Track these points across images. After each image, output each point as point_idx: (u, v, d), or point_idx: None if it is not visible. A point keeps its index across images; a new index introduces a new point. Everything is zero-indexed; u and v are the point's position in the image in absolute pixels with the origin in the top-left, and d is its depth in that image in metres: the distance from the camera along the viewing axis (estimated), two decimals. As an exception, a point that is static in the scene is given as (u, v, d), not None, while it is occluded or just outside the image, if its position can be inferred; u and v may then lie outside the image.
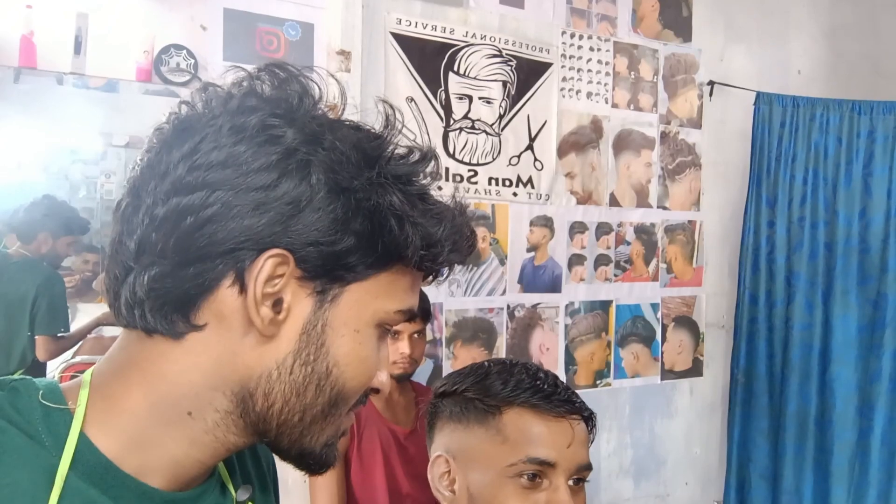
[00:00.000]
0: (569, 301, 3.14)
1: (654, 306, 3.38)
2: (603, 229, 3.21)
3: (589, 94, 3.15)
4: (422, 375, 2.63)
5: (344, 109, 0.69)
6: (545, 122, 3.03)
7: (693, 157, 3.46)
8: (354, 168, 0.64)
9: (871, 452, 3.25)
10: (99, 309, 2.28)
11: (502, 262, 2.95)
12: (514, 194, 2.97)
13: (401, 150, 0.67)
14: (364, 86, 2.57)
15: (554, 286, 3.09)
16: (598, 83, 3.18)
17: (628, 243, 3.29)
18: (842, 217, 3.33)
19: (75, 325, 2.29)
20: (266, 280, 0.62)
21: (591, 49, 3.15)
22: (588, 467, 1.14)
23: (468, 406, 1.16)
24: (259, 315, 0.62)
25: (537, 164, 3.02)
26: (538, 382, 1.14)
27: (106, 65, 2.21)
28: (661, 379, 3.42)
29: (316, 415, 0.67)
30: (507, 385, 1.14)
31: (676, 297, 3.45)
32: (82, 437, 0.62)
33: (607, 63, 3.20)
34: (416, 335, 2.07)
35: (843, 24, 3.82)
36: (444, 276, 0.74)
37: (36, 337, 2.24)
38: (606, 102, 3.20)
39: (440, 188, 0.70)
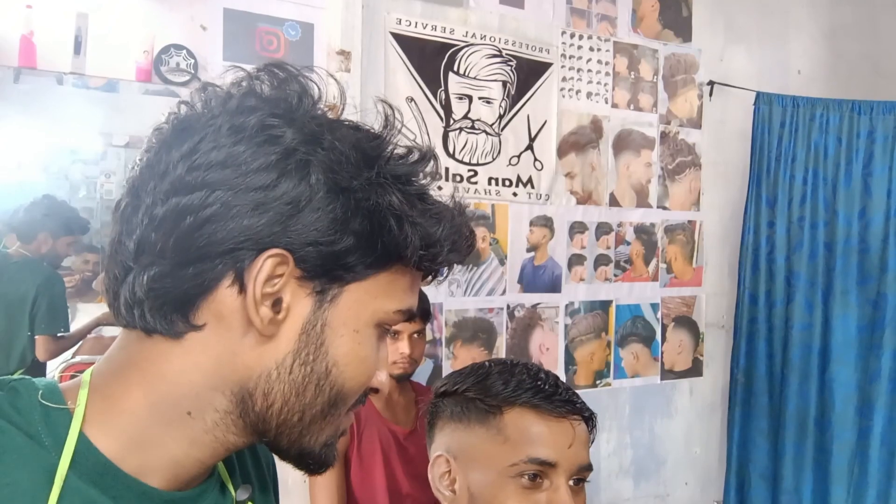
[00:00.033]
0: (569, 301, 3.14)
1: (654, 306, 3.38)
2: (603, 229, 3.21)
3: (589, 94, 3.15)
4: (422, 375, 2.63)
5: (343, 109, 0.69)
6: (545, 122, 3.03)
7: (693, 157, 3.46)
8: (354, 168, 0.64)
9: (871, 452, 3.25)
10: (99, 309, 2.28)
11: (502, 262, 2.95)
12: (514, 194, 2.97)
13: (400, 150, 0.67)
14: (364, 86, 2.57)
15: (554, 286, 3.09)
16: (598, 83, 3.18)
17: (628, 243, 3.29)
18: (841, 217, 3.33)
19: (75, 325, 2.29)
20: (265, 280, 0.62)
21: (591, 49, 3.15)
22: (588, 468, 1.14)
23: (469, 406, 1.16)
24: (258, 315, 0.62)
25: (537, 164, 3.02)
26: (539, 383, 1.14)
27: (106, 65, 2.21)
28: (661, 379, 3.42)
29: (315, 414, 0.67)
30: (508, 385, 1.14)
31: (676, 297, 3.45)
32: (82, 436, 0.62)
33: (607, 63, 3.20)
34: (415, 335, 2.07)
35: (843, 24, 3.82)
36: (444, 275, 0.74)
37: (36, 337, 2.24)
38: (606, 102, 3.21)
39: (440, 188, 0.71)
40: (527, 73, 2.98)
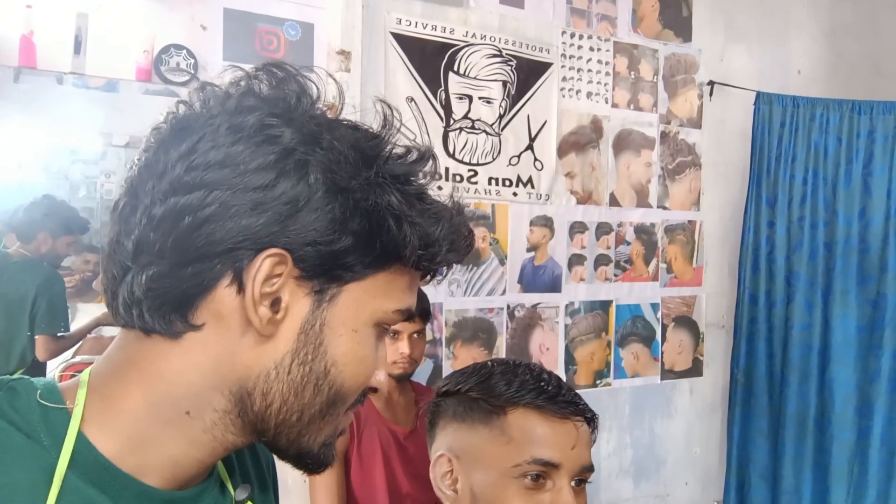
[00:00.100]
0: (569, 301, 3.14)
1: (654, 306, 3.38)
2: (603, 229, 3.21)
3: (589, 94, 3.15)
4: (422, 375, 2.63)
5: (342, 109, 0.69)
6: (545, 121, 3.03)
7: (693, 157, 3.46)
8: (352, 168, 0.64)
9: (871, 452, 3.25)
10: (99, 309, 2.28)
11: (502, 262, 2.95)
12: (514, 194, 2.97)
13: (399, 150, 0.67)
14: (364, 86, 2.57)
15: (554, 286, 3.09)
16: (598, 83, 3.18)
17: (628, 243, 3.29)
18: (841, 217, 3.33)
19: (75, 325, 2.29)
20: (264, 279, 0.62)
21: (591, 49, 3.15)
22: (590, 468, 1.15)
23: (472, 406, 1.16)
24: (257, 314, 0.62)
25: (537, 163, 3.02)
26: (542, 384, 1.15)
27: (106, 65, 2.21)
28: (661, 379, 3.42)
29: (314, 414, 0.67)
30: (511, 386, 1.14)
31: (676, 296, 3.45)
32: (80, 436, 0.62)
33: (607, 63, 3.20)
34: (415, 335, 2.06)
35: (843, 24, 3.82)
36: (443, 275, 0.74)
37: (36, 337, 2.24)
38: (606, 102, 3.21)
39: (440, 188, 0.71)
40: (527, 73, 2.98)
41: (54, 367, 2.27)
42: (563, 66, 3.07)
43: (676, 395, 3.48)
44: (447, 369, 2.80)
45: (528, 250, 3.02)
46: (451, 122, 2.83)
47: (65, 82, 2.17)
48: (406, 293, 0.70)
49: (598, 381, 3.22)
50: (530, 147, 3.00)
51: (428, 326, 2.33)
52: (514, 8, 2.96)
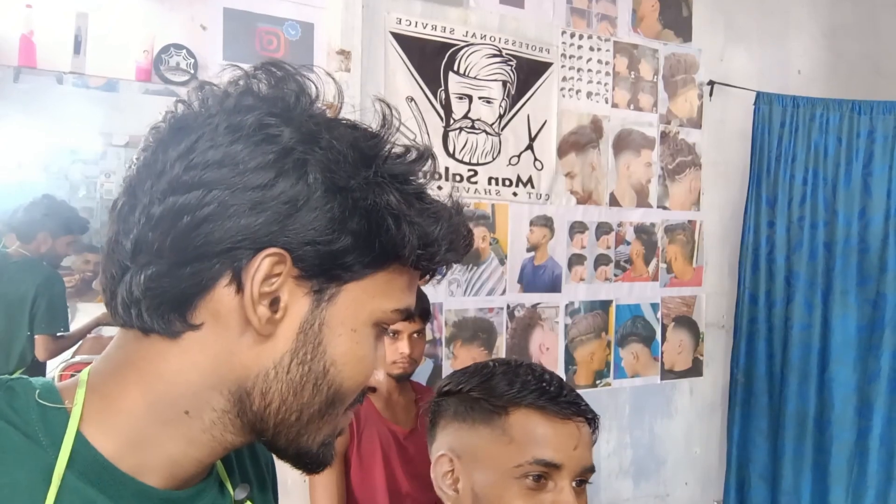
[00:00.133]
0: (569, 301, 3.14)
1: (654, 306, 3.38)
2: (603, 229, 3.21)
3: (589, 94, 3.15)
4: (422, 375, 2.63)
5: (341, 108, 0.69)
6: (545, 121, 3.03)
7: (693, 156, 3.46)
8: (351, 167, 0.64)
9: (870, 452, 3.25)
10: (99, 308, 2.28)
11: (502, 261, 2.95)
12: (514, 194, 2.97)
13: (398, 149, 0.67)
14: (364, 85, 2.57)
15: (554, 286, 3.09)
16: (598, 83, 3.18)
17: (628, 243, 3.29)
18: (841, 217, 3.33)
19: (75, 325, 2.29)
20: (263, 279, 0.62)
21: (591, 49, 3.15)
22: (591, 469, 1.15)
23: (474, 406, 1.15)
24: (256, 314, 0.62)
25: (537, 163, 3.02)
26: (544, 384, 1.15)
27: (106, 64, 2.21)
28: (661, 379, 3.42)
29: (313, 414, 0.67)
30: (513, 386, 1.14)
31: (676, 296, 3.45)
32: (79, 436, 0.62)
33: (607, 63, 3.20)
34: (415, 335, 2.06)
35: (843, 24, 3.82)
36: (442, 274, 0.74)
37: (35, 336, 2.24)
38: (606, 102, 3.21)
39: (440, 188, 0.71)
40: (527, 73, 2.98)
41: (54, 367, 2.27)
42: (563, 66, 3.07)
43: (676, 395, 3.48)
44: (447, 369, 2.80)
45: (528, 250, 3.02)
46: (451, 121, 2.83)
47: (65, 82, 2.17)
48: (405, 293, 0.70)
49: (597, 381, 3.22)
50: (530, 147, 3.00)
51: (428, 326, 2.33)
52: (514, 8, 2.96)
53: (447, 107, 2.82)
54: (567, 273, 3.12)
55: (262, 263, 0.61)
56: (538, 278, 3.05)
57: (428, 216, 0.66)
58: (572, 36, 3.10)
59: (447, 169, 2.80)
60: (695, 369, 3.52)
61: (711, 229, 3.53)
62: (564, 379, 2.70)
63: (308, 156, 0.63)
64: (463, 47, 2.83)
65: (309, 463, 0.70)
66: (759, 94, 3.38)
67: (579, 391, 1.21)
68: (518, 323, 3.01)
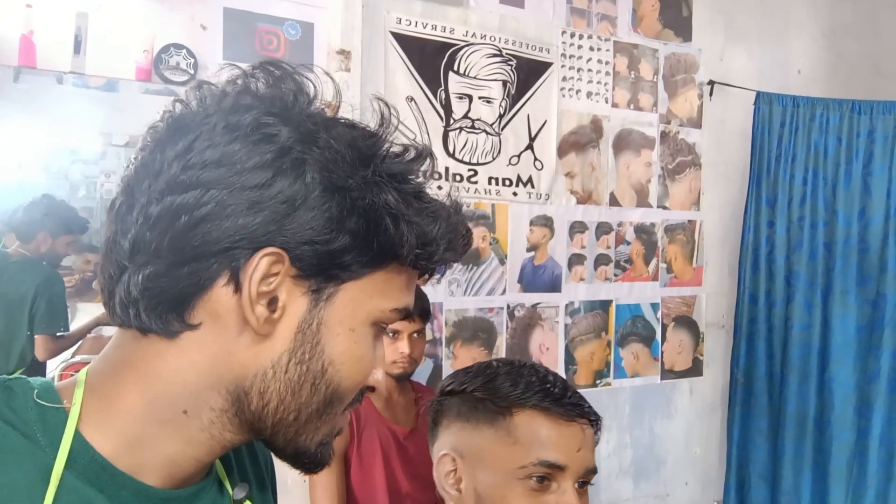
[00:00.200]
0: (569, 301, 3.14)
1: (654, 306, 3.38)
2: (603, 229, 3.21)
3: (589, 94, 3.15)
4: (422, 375, 2.63)
5: (339, 108, 0.69)
6: (545, 121, 3.03)
7: (693, 156, 3.46)
8: (349, 167, 0.64)
9: (870, 453, 3.25)
10: (98, 308, 2.28)
11: (502, 261, 2.95)
12: (514, 194, 2.97)
13: (396, 149, 0.67)
14: (364, 85, 2.57)
15: (554, 286, 3.09)
16: (598, 83, 3.17)
17: (628, 243, 3.29)
18: (841, 217, 3.33)
19: (75, 325, 2.29)
20: (261, 279, 0.62)
21: (591, 49, 3.15)
22: (594, 471, 1.15)
23: (477, 406, 1.15)
24: (254, 314, 0.62)
25: (537, 163, 3.02)
26: (548, 385, 1.15)
27: (106, 64, 2.21)
28: (661, 379, 3.42)
29: (311, 413, 0.67)
30: (517, 387, 1.14)
31: (676, 296, 3.45)
32: (78, 436, 0.62)
33: (607, 63, 3.20)
34: (415, 335, 2.06)
35: (843, 24, 3.82)
36: (441, 274, 0.74)
37: (35, 336, 2.24)
38: (606, 102, 3.20)
39: (440, 188, 0.71)
40: (527, 73, 2.98)
41: (54, 367, 2.27)
42: (563, 66, 3.07)
43: (676, 395, 3.48)
44: (447, 369, 2.80)
45: (528, 250, 3.02)
46: (451, 121, 2.83)
47: (65, 82, 2.17)
48: (404, 292, 0.70)
49: (598, 381, 3.22)
50: (530, 147, 3.00)
51: (428, 326, 2.33)
52: (514, 8, 2.96)
53: (447, 107, 2.82)
54: (567, 273, 3.12)
55: (260, 263, 0.61)
56: (538, 278, 3.05)
57: (426, 215, 0.66)
58: (572, 36, 3.10)
59: (447, 169, 2.80)
60: (695, 369, 3.52)
61: (711, 229, 3.53)
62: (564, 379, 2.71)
63: (306, 155, 0.62)
64: (463, 47, 2.83)
65: (307, 462, 0.70)
66: (759, 94, 3.38)
67: (579, 391, 1.21)
68: (518, 323, 3.01)
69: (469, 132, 2.86)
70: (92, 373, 0.66)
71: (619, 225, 3.26)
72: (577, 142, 3.12)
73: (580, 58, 3.12)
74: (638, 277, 3.32)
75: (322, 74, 0.69)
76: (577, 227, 3.14)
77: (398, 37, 2.71)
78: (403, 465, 2.07)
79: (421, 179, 0.68)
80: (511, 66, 2.93)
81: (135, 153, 0.66)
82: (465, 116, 2.85)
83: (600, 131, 3.19)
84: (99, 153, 2.32)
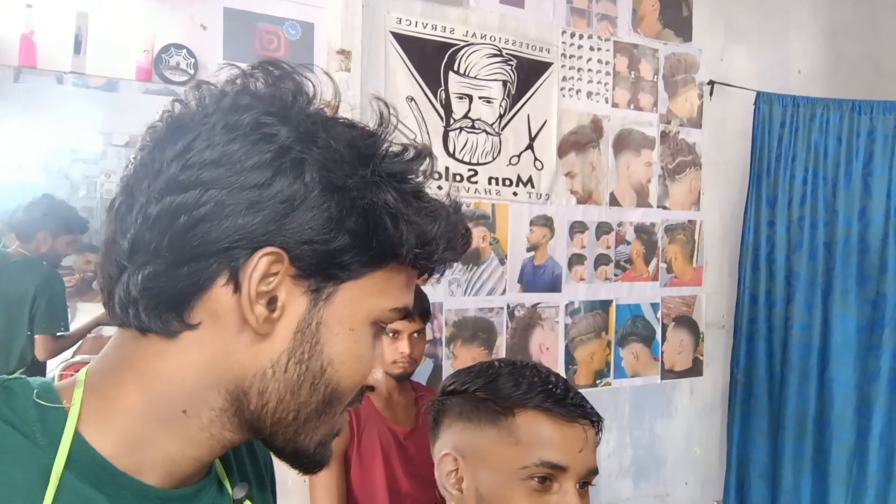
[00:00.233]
0: (569, 301, 3.14)
1: (654, 306, 3.38)
2: (603, 229, 3.21)
3: (589, 94, 3.15)
4: (422, 375, 2.63)
5: (338, 107, 0.69)
6: (545, 121, 3.03)
7: (693, 156, 3.46)
8: (348, 166, 0.64)
9: (870, 453, 3.25)
10: (99, 308, 2.28)
11: (502, 261, 2.95)
12: (514, 194, 2.97)
13: (395, 148, 0.67)
14: (364, 85, 2.57)
15: (554, 286, 3.09)
16: (599, 83, 3.17)
17: (628, 243, 3.29)
18: (841, 217, 3.33)
19: (75, 325, 2.29)
20: (260, 278, 0.62)
21: (592, 49, 3.15)
22: (595, 471, 1.15)
23: (479, 406, 1.15)
24: (253, 313, 0.62)
25: (537, 163, 3.02)
26: (550, 386, 1.15)
27: (106, 64, 2.21)
28: (661, 379, 3.42)
29: (310, 413, 0.67)
30: (519, 387, 1.14)
31: (676, 296, 3.45)
32: (77, 435, 0.62)
33: (607, 63, 3.20)
34: (415, 334, 2.06)
35: (843, 24, 3.82)
36: (440, 273, 0.74)
37: (35, 336, 2.24)
38: (606, 102, 3.20)
39: (440, 188, 0.71)
40: (527, 73, 2.98)
41: (54, 367, 2.27)
42: (563, 66, 3.07)
43: (676, 395, 3.48)
44: (447, 369, 2.80)
45: (528, 250, 3.02)
46: (452, 121, 2.83)
47: (65, 82, 2.17)
48: (403, 291, 0.70)
49: (598, 381, 3.22)
50: (530, 147, 3.00)
51: (428, 326, 2.33)
52: (514, 7, 2.96)
53: (447, 107, 2.82)
54: (567, 273, 3.12)
55: (260, 263, 0.61)
56: (538, 278, 3.05)
57: (426, 215, 0.66)
58: (572, 36, 3.10)
59: (447, 169, 2.80)
60: (695, 369, 3.52)
61: (711, 229, 3.53)
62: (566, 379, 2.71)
63: (305, 155, 0.62)
64: (463, 47, 2.83)
65: (306, 462, 0.70)
66: (759, 94, 3.38)
67: (580, 391, 1.21)
68: (518, 323, 3.01)
69: (469, 132, 2.86)
70: (91, 373, 0.66)
71: (619, 225, 3.26)
72: (578, 142, 3.12)
73: (580, 58, 3.12)
74: (638, 277, 3.32)
75: (321, 74, 0.69)
76: (577, 227, 3.14)
77: (398, 37, 2.71)
78: (403, 465, 2.06)
79: (420, 179, 0.68)
80: (511, 66, 2.93)
81: (134, 153, 0.66)
82: (466, 116, 2.85)
83: (600, 131, 3.19)
84: (99, 153, 2.32)
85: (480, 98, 2.87)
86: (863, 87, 3.65)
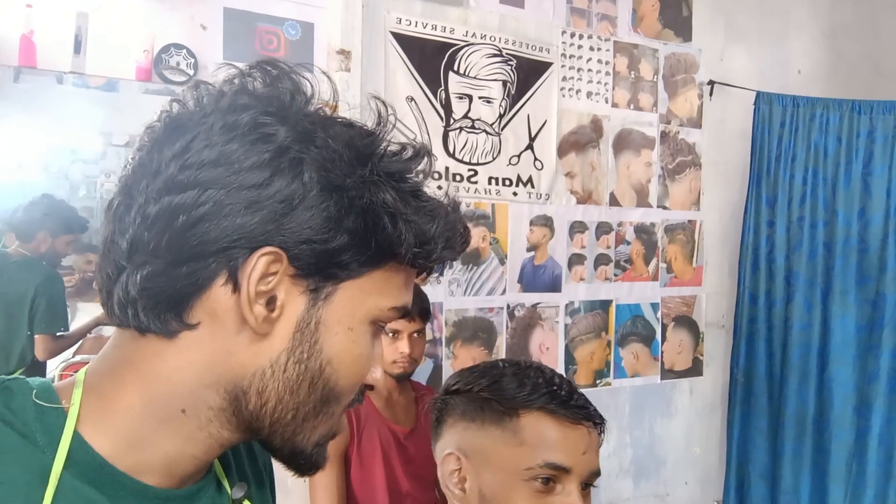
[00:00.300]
0: (569, 301, 3.14)
1: (654, 306, 3.38)
2: (603, 229, 3.21)
3: (589, 94, 3.15)
4: (422, 375, 2.63)
5: (337, 107, 0.69)
6: (545, 121, 3.03)
7: (693, 156, 3.46)
8: (347, 166, 0.64)
9: (869, 452, 3.25)
10: (98, 308, 2.26)
11: (502, 261, 2.95)
12: (514, 194, 2.97)
13: (393, 147, 0.67)
14: (364, 85, 2.57)
15: (554, 286, 3.09)
16: (598, 83, 3.17)
17: (628, 243, 3.29)
18: (841, 217, 3.33)
19: (75, 325, 2.29)
20: (259, 278, 0.62)
21: (591, 49, 3.15)
22: (598, 473, 1.16)
23: (483, 406, 1.15)
24: (252, 313, 0.62)
25: (537, 163, 3.02)
26: (554, 387, 1.15)
27: (106, 64, 2.21)
28: (661, 378, 3.42)
29: (308, 412, 0.67)
30: (523, 388, 1.14)
31: (676, 296, 3.45)
32: (76, 436, 0.62)
33: (607, 63, 3.20)
34: (415, 334, 2.06)
35: (843, 24, 3.82)
36: (439, 272, 0.75)
37: (35, 336, 2.24)
38: (606, 102, 3.20)
39: (440, 188, 0.71)
40: (527, 73, 2.98)
41: (54, 367, 2.27)
42: (563, 66, 3.07)
43: (676, 395, 3.48)
44: (447, 369, 2.80)
45: (528, 250, 3.02)
46: (451, 121, 2.83)
47: (65, 82, 2.17)
48: (402, 291, 0.70)
49: (598, 381, 3.22)
50: (530, 147, 3.00)
51: (428, 326, 2.33)
52: (514, 7, 2.96)
53: (447, 106, 2.82)
54: (567, 273, 3.12)
55: (258, 262, 0.61)
56: (538, 278, 3.05)
57: (424, 214, 0.66)
58: (572, 36, 3.10)
59: (447, 169, 2.80)
60: (695, 369, 3.52)
61: (711, 229, 3.53)
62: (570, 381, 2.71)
63: (303, 154, 0.63)
64: (463, 47, 2.83)
65: (303, 463, 0.70)
66: (759, 94, 3.37)
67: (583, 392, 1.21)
68: (518, 323, 3.01)
69: (469, 132, 2.86)
70: (90, 373, 0.66)
71: (619, 225, 3.26)
72: (577, 142, 3.12)
73: (580, 58, 3.12)
74: (638, 277, 3.32)
75: (319, 74, 0.69)
76: (577, 227, 3.14)
77: (398, 37, 2.71)
78: (404, 465, 2.06)
79: (419, 178, 0.68)
80: (511, 66, 2.93)
81: (132, 153, 0.66)
82: (465, 116, 2.85)
83: (600, 131, 3.19)
84: (99, 153, 2.32)
85: (480, 98, 2.87)
86: (863, 87, 3.65)
